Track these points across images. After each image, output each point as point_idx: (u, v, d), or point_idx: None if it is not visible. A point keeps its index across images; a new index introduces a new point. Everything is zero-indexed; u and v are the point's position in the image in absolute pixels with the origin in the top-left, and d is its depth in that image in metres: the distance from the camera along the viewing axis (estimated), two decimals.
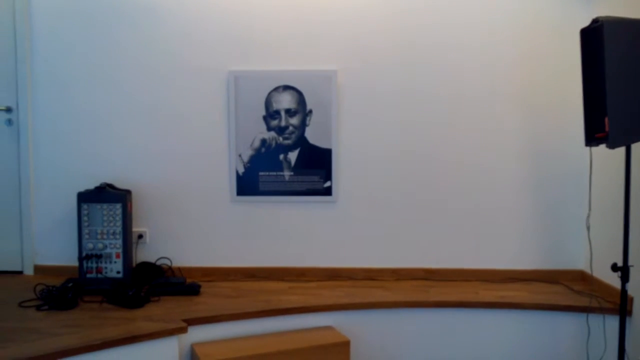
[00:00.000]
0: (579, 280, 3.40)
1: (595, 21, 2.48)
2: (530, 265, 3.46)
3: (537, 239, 3.44)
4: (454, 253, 3.45)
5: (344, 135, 3.40)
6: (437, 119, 3.39)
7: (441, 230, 3.44)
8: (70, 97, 3.39)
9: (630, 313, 2.86)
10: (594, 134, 2.56)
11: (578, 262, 3.43)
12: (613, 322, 2.86)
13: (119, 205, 3.18)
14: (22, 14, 3.34)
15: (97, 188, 3.21)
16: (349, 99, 3.38)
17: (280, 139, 3.37)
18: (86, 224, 3.17)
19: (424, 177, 3.42)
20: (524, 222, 3.43)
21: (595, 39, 2.47)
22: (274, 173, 3.40)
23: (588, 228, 3.07)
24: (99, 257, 3.18)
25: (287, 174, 3.40)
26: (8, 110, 3.41)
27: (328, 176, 3.40)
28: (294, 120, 3.37)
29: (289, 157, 3.39)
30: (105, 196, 3.18)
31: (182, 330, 2.64)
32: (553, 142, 3.39)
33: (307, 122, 3.37)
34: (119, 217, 3.18)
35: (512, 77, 3.36)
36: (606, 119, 2.45)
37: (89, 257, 3.17)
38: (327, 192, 3.41)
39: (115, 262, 3.19)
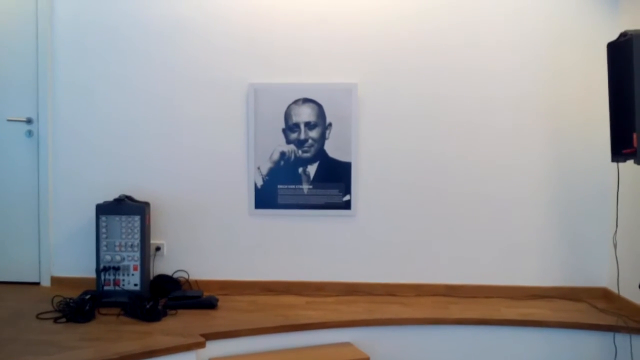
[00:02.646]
0: (602, 298, 3.32)
1: (623, 35, 2.44)
2: (552, 282, 3.39)
3: (560, 256, 3.37)
4: (475, 269, 3.39)
5: (364, 149, 3.36)
6: (459, 133, 3.34)
7: (463, 245, 3.39)
8: (91, 108, 3.40)
9: None
10: (622, 150, 2.51)
11: (600, 279, 3.35)
12: None
13: (137, 218, 3.17)
14: (45, 24, 3.36)
15: (115, 200, 3.20)
16: (369, 113, 3.35)
17: (300, 152, 3.35)
18: (104, 235, 3.16)
19: (445, 191, 3.37)
20: (547, 239, 3.37)
21: (624, 52, 2.42)
22: (293, 186, 3.37)
23: (615, 245, 3.00)
24: (116, 269, 3.16)
25: (306, 187, 3.37)
26: (29, 121, 3.42)
27: (347, 190, 3.36)
28: (314, 133, 3.34)
29: (308, 170, 3.36)
30: (124, 208, 3.17)
31: (200, 345, 2.60)
32: (578, 158, 3.33)
33: (327, 135, 3.34)
34: (137, 230, 3.17)
35: (537, 93, 3.31)
36: (634, 135, 2.39)
37: (106, 269, 3.15)
38: (346, 205, 3.37)
39: (132, 274, 3.17)
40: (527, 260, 3.38)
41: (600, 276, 3.35)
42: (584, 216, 3.35)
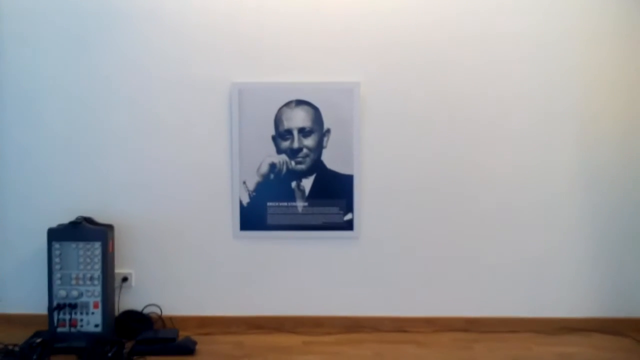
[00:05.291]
0: None
1: None
2: (588, 312, 2.91)
3: (598, 282, 2.90)
4: (499, 299, 2.90)
5: (368, 159, 2.86)
6: (478, 139, 2.86)
7: (484, 271, 2.90)
8: (42, 118, 2.86)
9: None
10: None
11: None
12: None
13: (98, 244, 2.64)
14: None
15: (71, 223, 2.67)
16: (374, 116, 2.85)
17: (293, 163, 2.84)
18: (58, 266, 2.63)
19: (463, 208, 2.87)
20: (582, 262, 2.89)
21: None
22: (285, 204, 2.86)
23: None
24: (73, 307, 2.63)
25: (300, 204, 2.86)
26: None
27: (349, 207, 2.86)
28: (309, 141, 2.84)
29: (303, 185, 2.85)
30: (82, 233, 2.64)
31: None
32: (618, 169, 2.86)
33: (325, 143, 2.84)
34: (97, 258, 2.64)
35: (568, 92, 2.84)
36: None
37: (60, 307, 2.62)
38: (348, 226, 2.87)
39: (93, 313, 2.64)
40: (559, 288, 2.91)
41: None
42: (625, 236, 2.88)
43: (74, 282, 2.63)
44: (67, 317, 2.62)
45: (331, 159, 2.85)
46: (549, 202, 2.88)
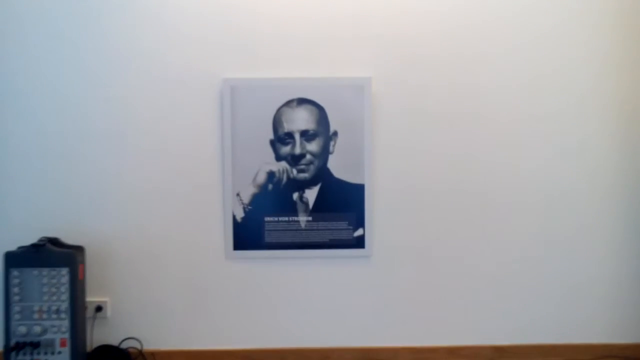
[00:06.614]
0: None
1: None
2: (627, 337, 2.58)
3: (637, 303, 2.56)
4: (529, 324, 2.55)
5: (381, 166, 2.49)
6: (510, 141, 2.51)
7: (514, 294, 2.54)
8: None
9: None
10: None
11: None
12: None
13: (65, 270, 2.22)
14: None
15: (33, 246, 2.24)
16: (387, 116, 2.49)
17: (294, 171, 2.46)
18: (17, 297, 2.20)
19: (491, 222, 2.52)
20: (621, 282, 2.56)
21: None
22: (286, 218, 2.47)
23: None
24: (35, 346, 2.21)
25: (303, 219, 2.47)
26: None
27: (360, 222, 2.48)
28: (313, 146, 2.46)
29: (306, 197, 2.47)
30: (46, 257, 2.22)
31: None
32: None
33: (331, 148, 2.46)
34: (65, 287, 2.22)
35: (599, 91, 2.51)
36: None
37: (20, 347, 2.19)
38: (359, 243, 2.49)
39: (59, 352, 2.22)
40: (595, 310, 2.57)
41: None
42: None
43: (36, 316, 2.21)
44: (28, 358, 2.20)
45: (339, 166, 2.47)
46: (583, 216, 2.54)
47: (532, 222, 2.52)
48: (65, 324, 2.22)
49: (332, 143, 2.47)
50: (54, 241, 2.31)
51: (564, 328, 2.56)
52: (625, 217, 2.55)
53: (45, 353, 2.21)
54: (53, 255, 2.23)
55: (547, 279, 2.55)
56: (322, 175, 2.47)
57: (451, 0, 2.47)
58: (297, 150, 2.46)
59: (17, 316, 2.20)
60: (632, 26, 2.50)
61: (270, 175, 2.46)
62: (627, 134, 2.53)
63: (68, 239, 2.39)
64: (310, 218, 2.48)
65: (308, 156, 2.46)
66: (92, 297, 2.44)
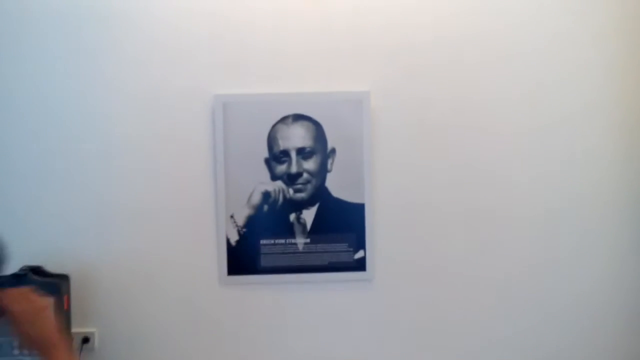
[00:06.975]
0: None
1: None
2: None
3: None
4: (549, 350, 2.42)
5: (382, 184, 2.38)
6: (508, 153, 2.40)
7: (531, 318, 2.41)
8: None
9: None
10: None
11: None
12: None
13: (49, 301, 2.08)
14: None
15: (14, 276, 2.10)
16: (387, 132, 2.38)
17: (291, 191, 2.34)
18: None
19: (501, 241, 2.40)
20: (624, 293, 2.44)
21: None
22: (282, 241, 2.35)
23: None
24: None
25: (301, 241, 2.35)
26: None
27: (360, 243, 2.36)
28: (310, 164, 2.34)
29: (304, 218, 2.35)
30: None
31: None
32: None
33: (329, 166, 2.35)
34: None
35: (602, 101, 2.41)
36: None
37: None
38: (360, 266, 2.37)
39: None
40: (614, 335, 2.43)
41: None
42: None
43: (17, 351, 2.07)
44: None
45: (337, 185, 2.35)
46: (588, 228, 2.42)
47: (547, 240, 2.41)
48: None
49: (330, 161, 2.35)
50: (37, 270, 2.17)
51: (582, 352, 2.43)
52: (631, 228, 2.43)
53: None
54: (36, 285, 2.09)
55: (566, 302, 2.42)
56: (320, 195, 2.35)
57: (450, 10, 2.37)
58: (294, 169, 2.34)
59: None
60: (636, 33, 2.40)
61: (266, 195, 2.34)
62: (631, 143, 2.42)
63: (54, 266, 2.25)
64: (308, 240, 2.36)
65: (305, 175, 2.35)
66: (78, 328, 2.30)
